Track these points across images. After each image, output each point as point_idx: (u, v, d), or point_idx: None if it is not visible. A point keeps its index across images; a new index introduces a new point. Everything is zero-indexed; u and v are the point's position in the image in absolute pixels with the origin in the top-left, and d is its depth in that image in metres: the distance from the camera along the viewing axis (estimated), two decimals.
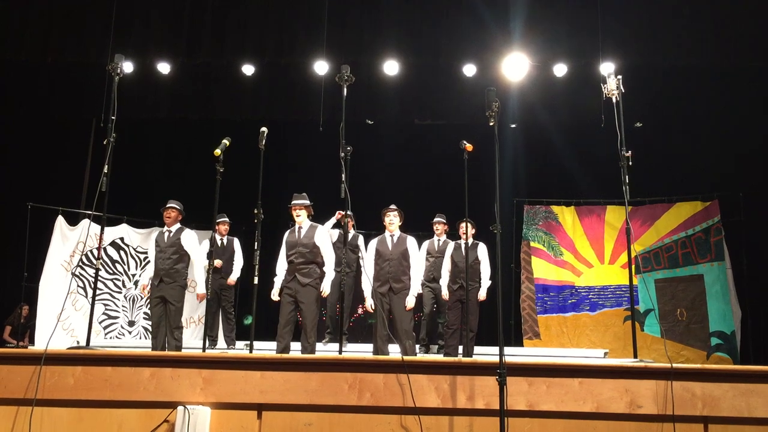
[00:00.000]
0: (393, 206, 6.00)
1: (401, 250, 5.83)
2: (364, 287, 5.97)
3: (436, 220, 7.31)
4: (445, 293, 6.65)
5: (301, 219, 5.84)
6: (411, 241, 5.93)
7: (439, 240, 7.30)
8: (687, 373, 3.65)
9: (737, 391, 3.60)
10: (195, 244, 6.27)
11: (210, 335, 7.20)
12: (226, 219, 7.59)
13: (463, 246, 6.36)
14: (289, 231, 5.92)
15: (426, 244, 7.27)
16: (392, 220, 5.90)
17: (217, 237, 7.41)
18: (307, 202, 5.93)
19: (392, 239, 5.89)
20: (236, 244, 7.66)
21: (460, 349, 6.42)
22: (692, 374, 3.65)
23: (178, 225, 6.31)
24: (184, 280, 6.18)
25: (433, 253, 7.21)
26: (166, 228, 6.28)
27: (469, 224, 6.42)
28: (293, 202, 5.92)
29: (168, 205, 6.34)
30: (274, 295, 5.72)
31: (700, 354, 9.07)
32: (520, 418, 3.61)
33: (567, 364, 3.95)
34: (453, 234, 7.11)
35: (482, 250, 6.74)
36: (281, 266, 5.78)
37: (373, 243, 5.98)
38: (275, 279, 5.77)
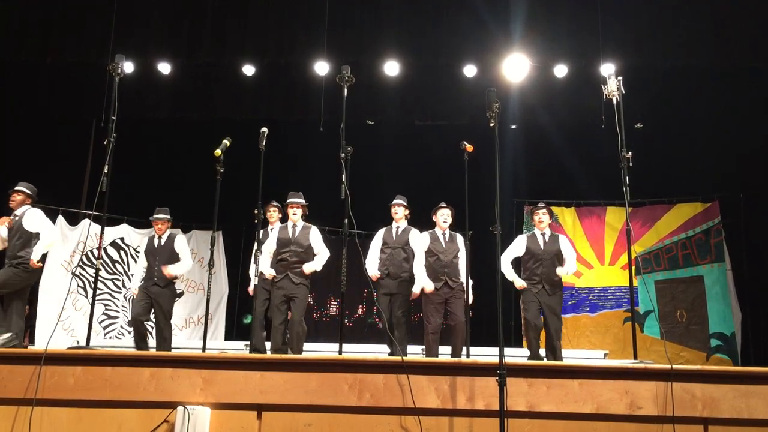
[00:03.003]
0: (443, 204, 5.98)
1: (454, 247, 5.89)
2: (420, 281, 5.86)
3: (395, 202, 6.29)
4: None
5: (297, 217, 5.95)
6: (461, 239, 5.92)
7: (397, 227, 6.24)
8: (687, 375, 3.65)
9: (737, 392, 3.60)
10: (39, 221, 5.83)
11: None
12: (163, 216, 6.58)
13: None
14: (280, 227, 6.01)
15: (382, 232, 6.26)
16: (446, 219, 5.91)
17: (155, 237, 6.55)
18: (303, 201, 5.99)
19: (444, 236, 5.93)
20: (179, 241, 6.58)
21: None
22: (692, 375, 3.66)
23: (26, 207, 5.90)
24: (19, 263, 5.61)
25: (391, 244, 6.13)
26: (14, 213, 5.91)
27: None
28: (290, 200, 5.99)
29: (15, 188, 5.97)
30: (268, 272, 5.82)
31: (699, 355, 9.07)
32: (520, 419, 3.61)
33: (567, 365, 3.96)
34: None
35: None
36: (266, 258, 5.90)
37: (425, 238, 5.95)
38: (261, 259, 5.73)
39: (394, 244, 6.11)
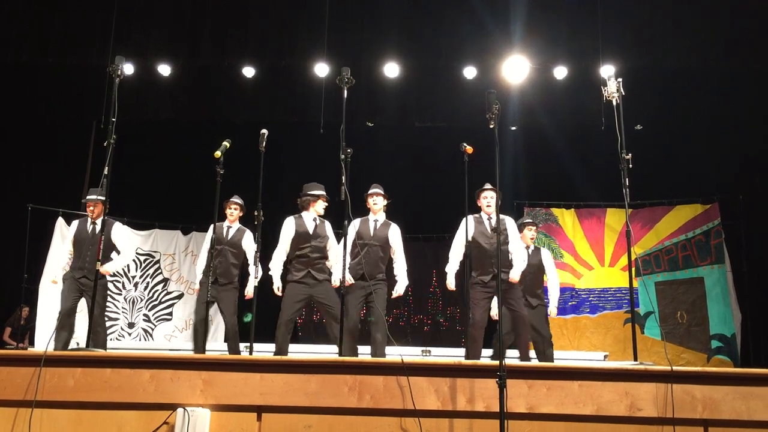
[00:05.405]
0: (488, 185, 5.44)
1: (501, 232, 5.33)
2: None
3: (373, 191, 5.66)
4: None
5: (321, 210, 5.67)
6: (511, 224, 5.51)
7: (375, 220, 5.63)
8: (687, 376, 3.65)
9: (737, 393, 3.59)
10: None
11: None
12: (96, 197, 5.76)
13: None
14: (295, 220, 5.59)
15: (356, 223, 5.51)
16: (490, 202, 5.34)
17: (88, 222, 5.90)
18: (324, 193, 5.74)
19: (490, 221, 5.40)
20: (117, 230, 5.93)
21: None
22: (692, 377, 3.65)
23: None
24: None
25: (367, 239, 5.49)
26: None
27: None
28: (316, 192, 5.61)
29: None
30: (279, 289, 5.47)
31: (700, 357, 9.06)
32: (520, 421, 3.60)
33: (567, 366, 3.95)
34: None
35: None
36: (281, 258, 5.52)
37: (470, 225, 5.44)
38: (273, 272, 5.51)
39: (371, 240, 5.51)
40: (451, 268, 5.57)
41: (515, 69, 8.09)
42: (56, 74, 8.88)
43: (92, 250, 5.62)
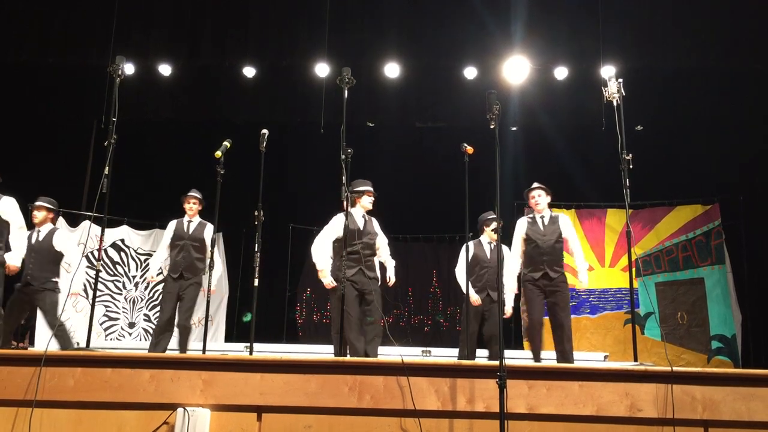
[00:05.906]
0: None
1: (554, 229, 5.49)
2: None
3: (367, 189, 5.62)
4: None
5: (369, 206, 5.60)
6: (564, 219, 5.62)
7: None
8: (687, 377, 3.65)
9: (737, 394, 3.59)
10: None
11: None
12: (40, 203, 5.94)
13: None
14: (344, 217, 5.42)
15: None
16: (538, 200, 5.58)
17: (35, 231, 5.88)
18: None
19: (542, 221, 5.57)
20: (60, 238, 5.84)
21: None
22: (692, 378, 3.65)
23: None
24: None
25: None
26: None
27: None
28: (364, 188, 5.53)
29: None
30: (331, 282, 5.36)
31: (700, 357, 9.06)
32: (520, 421, 3.60)
33: (567, 367, 3.95)
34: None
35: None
36: (327, 252, 5.41)
37: (522, 224, 5.60)
38: (322, 264, 5.37)
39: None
40: (513, 271, 5.73)
41: (516, 69, 8.09)
42: (56, 74, 8.87)
43: (35, 259, 5.62)
